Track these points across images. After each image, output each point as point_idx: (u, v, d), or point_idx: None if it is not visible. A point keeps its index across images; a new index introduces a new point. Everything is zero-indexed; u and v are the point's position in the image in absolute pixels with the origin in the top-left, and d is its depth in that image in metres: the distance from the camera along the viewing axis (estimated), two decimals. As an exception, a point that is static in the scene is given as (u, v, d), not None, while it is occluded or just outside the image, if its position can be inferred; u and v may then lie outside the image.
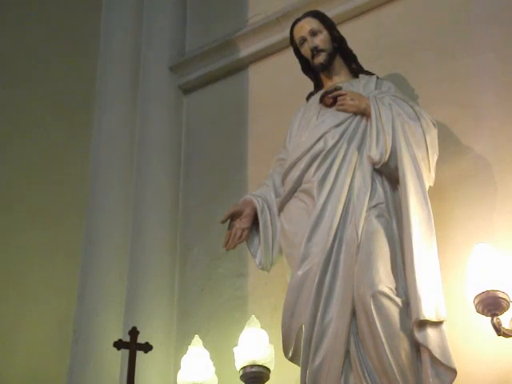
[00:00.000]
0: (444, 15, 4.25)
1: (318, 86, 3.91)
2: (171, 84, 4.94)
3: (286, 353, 3.33)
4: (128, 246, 4.45)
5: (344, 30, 3.96)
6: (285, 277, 3.52)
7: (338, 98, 3.63)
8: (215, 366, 3.68)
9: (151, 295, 4.26)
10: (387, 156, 3.42)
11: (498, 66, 3.98)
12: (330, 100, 3.66)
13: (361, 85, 3.75)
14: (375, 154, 3.44)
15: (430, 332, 3.08)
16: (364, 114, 3.58)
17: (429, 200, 3.32)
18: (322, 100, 3.70)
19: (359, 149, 3.50)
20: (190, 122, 4.89)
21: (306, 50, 3.83)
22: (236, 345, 3.54)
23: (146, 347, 3.71)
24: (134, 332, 3.72)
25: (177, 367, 3.74)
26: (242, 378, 3.47)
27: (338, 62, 3.85)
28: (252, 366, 3.46)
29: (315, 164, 3.49)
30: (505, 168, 3.73)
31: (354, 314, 3.19)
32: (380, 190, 3.44)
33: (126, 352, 3.71)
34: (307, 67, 3.90)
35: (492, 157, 3.78)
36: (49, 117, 5.10)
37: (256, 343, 3.49)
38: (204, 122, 4.85)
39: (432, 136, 3.51)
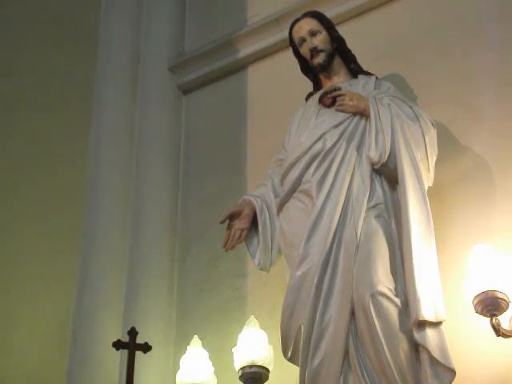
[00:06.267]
0: (443, 15, 4.24)
1: (317, 86, 3.90)
2: (170, 84, 4.94)
3: (285, 353, 3.33)
4: (127, 247, 4.45)
5: (343, 30, 3.96)
6: (284, 277, 3.52)
7: (337, 99, 3.63)
8: (214, 366, 3.67)
9: (150, 295, 4.26)
10: (386, 156, 3.41)
11: (497, 66, 3.97)
12: (329, 100, 3.66)
13: (360, 85, 3.74)
14: (374, 154, 3.44)
15: (429, 332, 3.08)
16: (363, 114, 3.57)
17: (428, 200, 3.32)
18: (321, 100, 3.70)
19: (358, 149, 3.49)
20: (189, 122, 4.89)
21: (305, 51, 3.83)
22: (235, 345, 3.54)
23: (145, 347, 3.72)
24: (132, 332, 3.72)
25: (176, 367, 3.74)
26: (241, 378, 3.47)
27: (337, 63, 3.85)
28: (251, 366, 3.45)
29: (314, 164, 3.49)
30: (504, 168, 3.72)
31: (353, 314, 3.19)
32: (379, 190, 3.43)
33: (124, 352, 3.72)
34: (306, 67, 3.90)
35: (492, 157, 3.78)
36: (48, 116, 5.10)
37: (255, 343, 3.49)
38: (203, 122, 4.85)
39: (431, 136, 3.51)
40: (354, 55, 3.91)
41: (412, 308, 3.10)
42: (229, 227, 3.63)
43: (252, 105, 4.68)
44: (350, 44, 3.90)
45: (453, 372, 3.06)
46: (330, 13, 4.12)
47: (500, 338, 3.21)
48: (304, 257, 3.32)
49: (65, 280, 4.50)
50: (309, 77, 3.94)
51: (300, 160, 3.54)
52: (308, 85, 3.94)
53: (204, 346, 3.71)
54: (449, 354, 3.07)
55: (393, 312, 3.11)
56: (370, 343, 3.11)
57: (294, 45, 3.88)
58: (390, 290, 3.15)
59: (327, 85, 3.83)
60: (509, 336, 3.22)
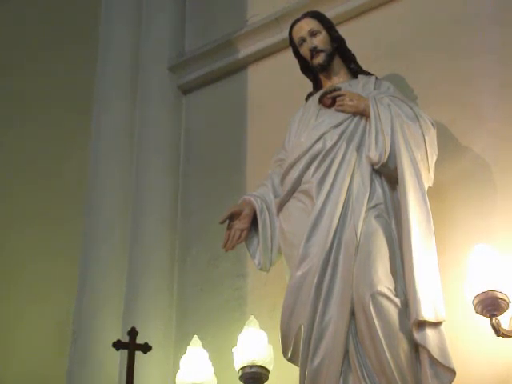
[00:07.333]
0: (444, 15, 4.24)
1: (317, 86, 3.90)
2: (170, 84, 4.94)
3: (284, 353, 3.33)
4: (127, 247, 4.45)
5: (343, 31, 3.96)
6: (284, 277, 3.52)
7: (337, 99, 3.63)
8: (214, 366, 3.67)
9: (150, 295, 4.26)
10: (386, 156, 3.41)
11: (497, 67, 3.98)
12: (329, 100, 3.66)
13: (360, 85, 3.74)
14: (374, 154, 3.44)
15: (429, 332, 3.08)
16: (363, 114, 3.57)
17: (428, 200, 3.32)
18: (320, 100, 3.70)
19: (358, 149, 3.49)
20: (189, 122, 4.89)
21: (305, 51, 3.83)
22: (235, 345, 3.54)
23: (145, 347, 3.71)
24: (132, 332, 3.72)
25: (176, 367, 3.74)
26: (241, 378, 3.47)
27: (337, 63, 3.85)
28: (251, 366, 3.45)
29: (314, 164, 3.49)
30: (504, 168, 3.72)
31: (353, 314, 3.19)
32: (379, 190, 3.43)
33: (124, 352, 3.71)
34: (306, 67, 3.90)
35: (492, 157, 3.78)
36: (48, 117, 5.10)
37: (255, 344, 3.49)
38: (203, 122, 4.85)
39: (431, 136, 3.51)
40: (353, 55, 3.91)
41: (412, 308, 3.10)
42: (229, 227, 3.63)
43: (252, 105, 4.68)
44: (350, 44, 3.90)
45: (453, 372, 3.06)
46: (330, 13, 4.11)
47: (500, 338, 3.21)
48: (304, 257, 3.32)
49: (65, 280, 4.50)
50: (309, 77, 3.94)
51: (300, 160, 3.54)
52: (308, 85, 3.94)
53: (204, 346, 3.71)
54: (449, 354, 3.07)
55: (393, 312, 3.11)
56: (369, 343, 3.11)
57: (293, 45, 3.88)
58: (390, 290, 3.15)
59: (327, 85, 3.83)
60: (509, 336, 3.22)
